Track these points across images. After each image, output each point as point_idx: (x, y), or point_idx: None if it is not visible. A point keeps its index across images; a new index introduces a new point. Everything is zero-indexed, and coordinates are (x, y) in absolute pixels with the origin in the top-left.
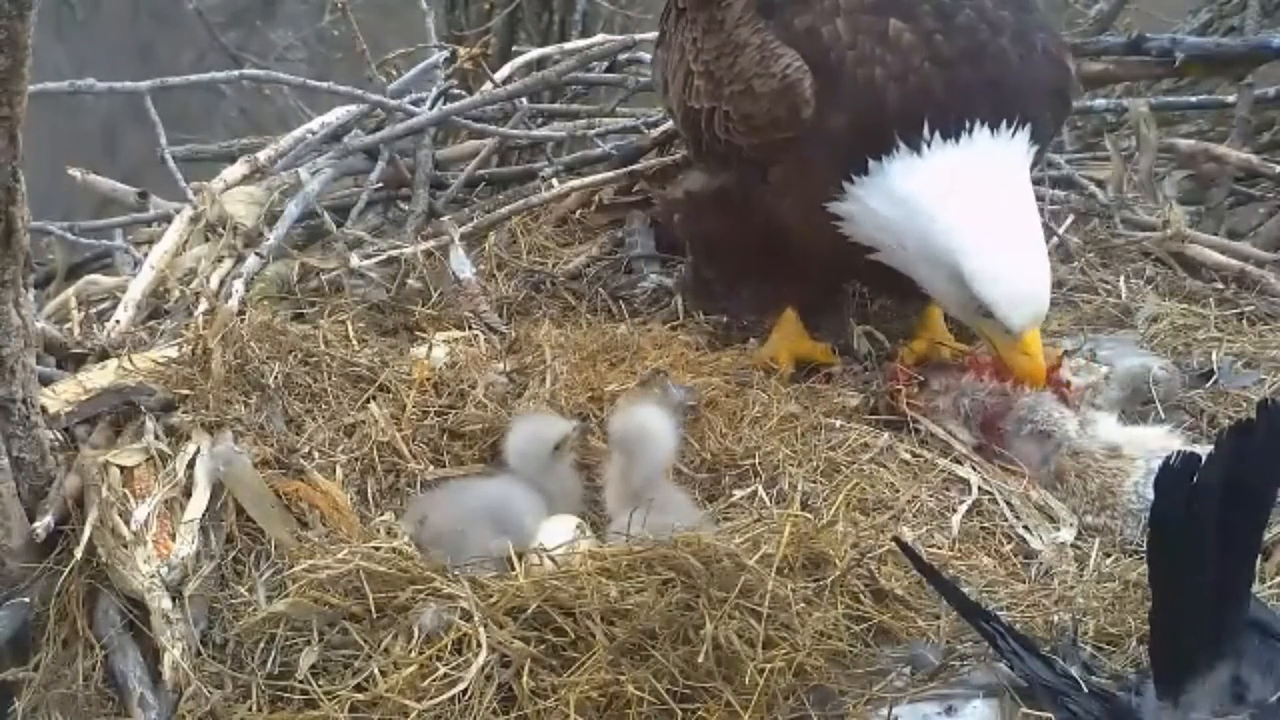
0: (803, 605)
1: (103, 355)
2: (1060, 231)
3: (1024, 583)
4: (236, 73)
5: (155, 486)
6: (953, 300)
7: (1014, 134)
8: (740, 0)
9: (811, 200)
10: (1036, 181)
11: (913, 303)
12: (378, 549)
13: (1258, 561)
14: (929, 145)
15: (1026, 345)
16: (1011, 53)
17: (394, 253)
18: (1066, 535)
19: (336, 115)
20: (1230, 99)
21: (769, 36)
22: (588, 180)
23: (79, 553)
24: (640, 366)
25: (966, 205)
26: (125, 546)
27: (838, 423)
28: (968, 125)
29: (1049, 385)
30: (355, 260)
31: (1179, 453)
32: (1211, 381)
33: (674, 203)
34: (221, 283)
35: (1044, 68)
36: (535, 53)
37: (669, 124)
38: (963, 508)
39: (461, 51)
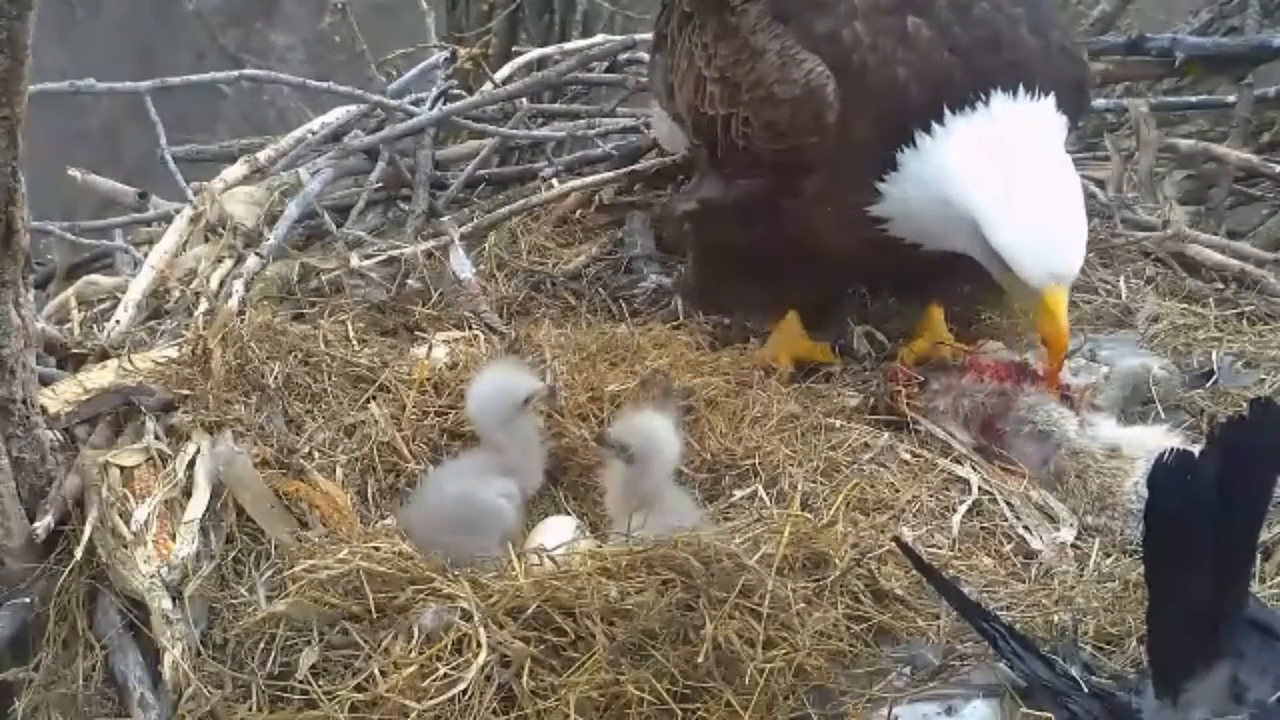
0: (803, 605)
1: (103, 355)
2: None
3: (1024, 583)
4: (236, 73)
5: (155, 486)
6: (988, 262)
7: (1035, 100)
8: (756, 6)
9: (852, 207)
10: None
11: (913, 301)
12: (378, 549)
13: (1257, 560)
14: (944, 124)
15: (1049, 304)
16: (1030, 42)
17: (394, 253)
18: (1066, 535)
19: (336, 115)
20: (1230, 99)
21: (789, 42)
22: (588, 180)
23: (79, 553)
24: (640, 366)
25: (988, 164)
26: (125, 547)
27: (838, 423)
28: (984, 96)
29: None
30: (355, 260)
31: (1172, 450)
32: (1211, 381)
33: (686, 213)
34: (221, 283)
35: (1062, 61)
36: (535, 53)
37: None
38: (963, 508)
39: (462, 52)
